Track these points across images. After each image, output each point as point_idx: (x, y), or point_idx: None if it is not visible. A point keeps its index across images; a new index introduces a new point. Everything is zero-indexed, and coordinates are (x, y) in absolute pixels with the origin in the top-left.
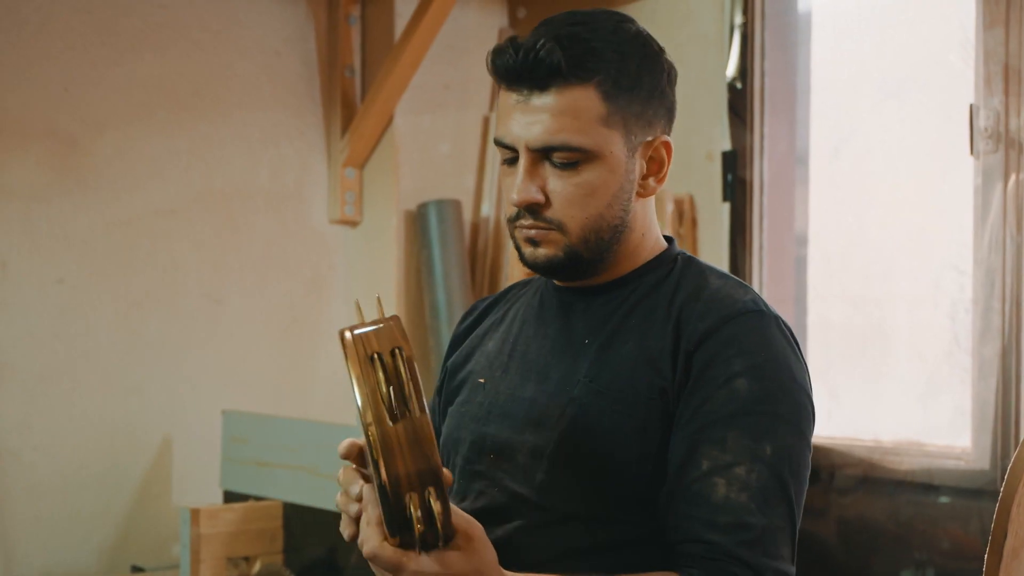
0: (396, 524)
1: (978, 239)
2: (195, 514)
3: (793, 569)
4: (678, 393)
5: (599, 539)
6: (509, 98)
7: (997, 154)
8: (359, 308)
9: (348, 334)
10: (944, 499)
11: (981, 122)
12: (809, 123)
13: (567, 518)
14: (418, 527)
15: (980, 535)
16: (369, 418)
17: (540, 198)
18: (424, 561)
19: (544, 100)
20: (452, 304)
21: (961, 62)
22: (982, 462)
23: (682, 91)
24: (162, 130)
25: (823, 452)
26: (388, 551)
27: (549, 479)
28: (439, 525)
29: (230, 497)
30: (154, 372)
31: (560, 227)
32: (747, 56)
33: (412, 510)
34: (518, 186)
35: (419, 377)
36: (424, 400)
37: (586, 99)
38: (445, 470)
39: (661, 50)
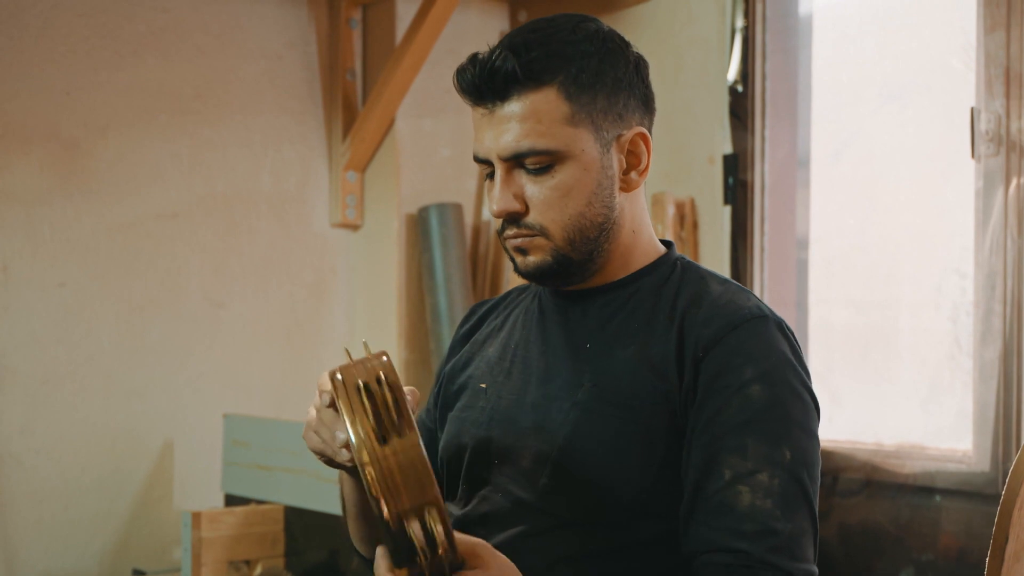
0: (402, 555)
1: (979, 242)
2: (196, 517)
3: (817, 569)
4: (685, 400)
5: (603, 543)
6: (477, 113)
7: (998, 157)
8: (348, 353)
9: (334, 374)
10: (945, 502)
11: (982, 125)
12: (810, 126)
13: (570, 523)
14: (423, 556)
15: (981, 538)
16: (365, 458)
17: (517, 206)
18: None
19: (507, 109)
20: (453, 307)
21: (962, 65)
22: (983, 465)
23: (683, 94)
24: (164, 134)
25: (825, 455)
26: None
27: (553, 484)
28: (443, 553)
29: (231, 500)
30: (156, 376)
31: (543, 231)
32: (748, 59)
33: (416, 541)
34: (496, 197)
35: (406, 400)
36: (413, 423)
37: (547, 101)
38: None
39: (626, 44)
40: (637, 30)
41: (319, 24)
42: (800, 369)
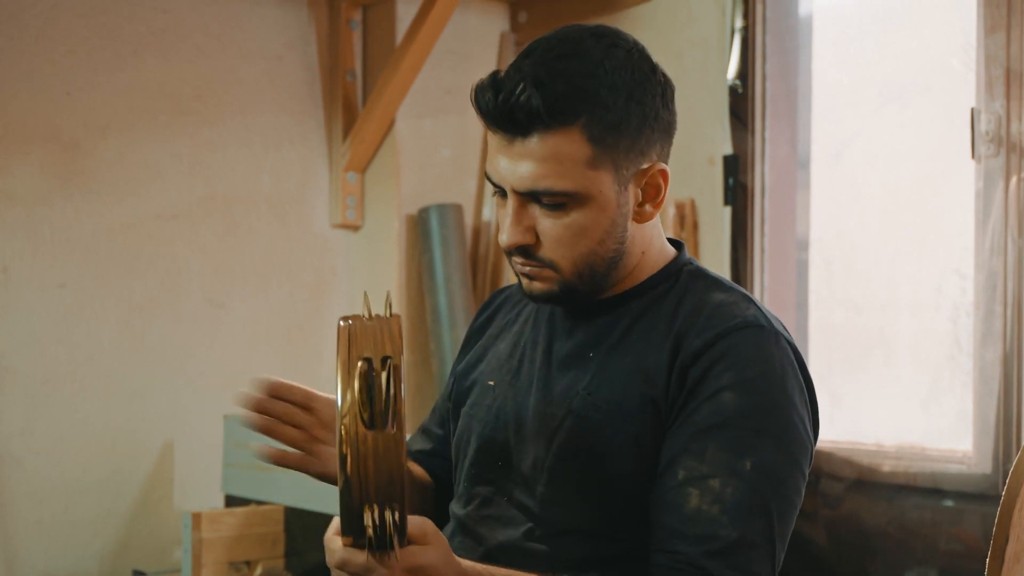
0: (351, 525)
1: (979, 243)
2: (197, 518)
3: None
4: (670, 406)
5: (603, 551)
6: (493, 138)
7: (998, 158)
8: (367, 301)
9: (343, 323)
10: (946, 503)
11: (982, 126)
12: (810, 127)
13: (569, 530)
14: (371, 532)
15: (982, 539)
16: (344, 410)
17: (529, 239)
18: (392, 560)
19: (526, 146)
20: (453, 308)
21: (962, 66)
22: (984, 466)
23: (683, 95)
24: (164, 134)
25: (825, 456)
26: (357, 557)
27: (549, 492)
28: (393, 533)
29: (231, 501)
30: (156, 376)
31: (552, 265)
32: (748, 60)
33: (369, 515)
34: (507, 229)
35: (402, 391)
36: (403, 416)
37: (569, 143)
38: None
39: (654, 69)
40: (637, 31)
41: (319, 25)
42: (791, 385)
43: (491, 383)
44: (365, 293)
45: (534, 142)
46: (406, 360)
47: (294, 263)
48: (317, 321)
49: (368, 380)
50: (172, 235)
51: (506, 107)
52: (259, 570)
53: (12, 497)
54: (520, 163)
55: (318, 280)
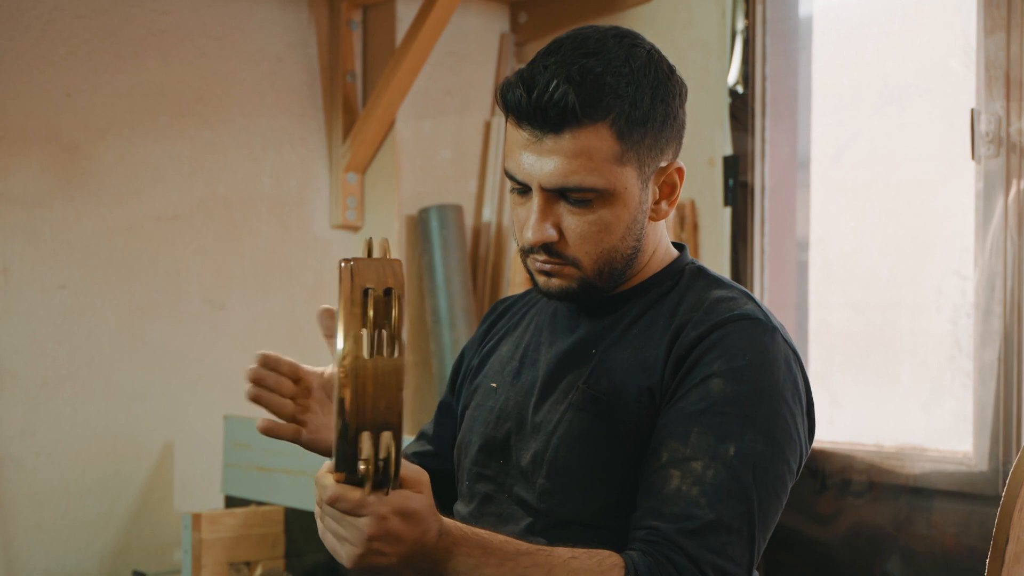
0: (345, 457)
1: (979, 244)
2: (197, 519)
3: (739, 572)
4: (663, 393)
5: (603, 542)
6: (519, 134)
7: (998, 159)
8: (368, 244)
9: (344, 264)
10: (945, 503)
11: (982, 127)
12: (811, 128)
13: (570, 522)
14: (368, 467)
15: (982, 540)
16: (347, 349)
17: (554, 236)
18: (385, 499)
19: (557, 142)
20: (454, 309)
21: (962, 67)
22: (983, 467)
23: None
24: (164, 136)
25: (825, 457)
26: (351, 493)
27: (548, 484)
28: (391, 469)
29: (232, 502)
30: (156, 378)
31: (575, 263)
32: (749, 61)
33: (364, 442)
34: (532, 225)
35: (404, 319)
36: (404, 345)
37: (599, 139)
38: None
39: (672, 69)
40: (637, 31)
41: (319, 26)
42: (783, 378)
43: (493, 385)
44: (369, 239)
45: (564, 138)
46: (408, 361)
47: (294, 264)
48: (317, 322)
49: (373, 308)
50: (172, 236)
51: (539, 104)
52: (259, 571)
53: (12, 498)
54: (549, 159)
55: (318, 281)
